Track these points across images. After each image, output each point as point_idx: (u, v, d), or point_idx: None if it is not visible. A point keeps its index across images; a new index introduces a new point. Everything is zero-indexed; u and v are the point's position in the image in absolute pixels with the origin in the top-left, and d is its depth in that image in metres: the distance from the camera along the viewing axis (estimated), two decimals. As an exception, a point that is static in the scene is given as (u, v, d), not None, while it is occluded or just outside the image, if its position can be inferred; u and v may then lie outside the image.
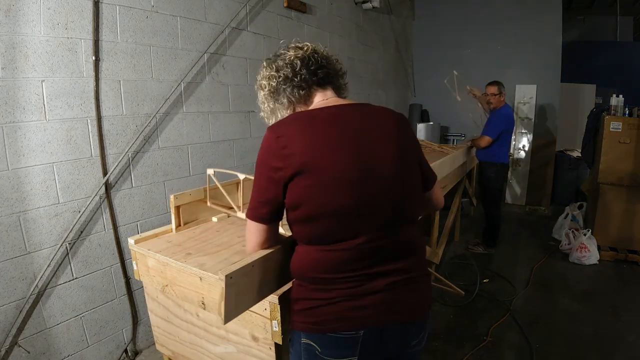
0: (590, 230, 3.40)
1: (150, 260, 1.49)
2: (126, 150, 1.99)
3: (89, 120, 1.85)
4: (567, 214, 3.88)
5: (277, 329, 1.15)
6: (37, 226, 1.70)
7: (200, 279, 1.30)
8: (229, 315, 0.87)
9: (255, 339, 1.25)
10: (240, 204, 1.72)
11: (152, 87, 2.10)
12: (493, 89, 3.44)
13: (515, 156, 5.08)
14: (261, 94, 1.04)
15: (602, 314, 2.51)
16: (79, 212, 1.83)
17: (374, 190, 0.86)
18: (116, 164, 1.96)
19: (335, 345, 0.89)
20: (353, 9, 4.05)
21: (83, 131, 1.83)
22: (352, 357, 0.89)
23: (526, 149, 5.08)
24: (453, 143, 4.28)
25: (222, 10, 2.47)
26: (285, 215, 0.93)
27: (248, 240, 0.98)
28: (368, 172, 0.86)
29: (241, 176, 1.68)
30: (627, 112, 3.33)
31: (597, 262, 3.26)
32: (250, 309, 1.19)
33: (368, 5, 4.07)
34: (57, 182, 1.76)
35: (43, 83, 1.68)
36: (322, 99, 0.99)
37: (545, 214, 4.81)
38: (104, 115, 1.90)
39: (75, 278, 1.86)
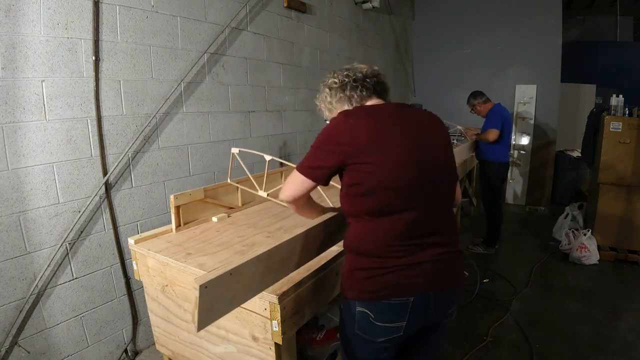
0: (590, 230, 3.40)
1: (150, 260, 1.49)
2: (126, 150, 1.99)
3: (89, 120, 1.85)
4: (567, 214, 3.88)
5: (277, 329, 1.15)
6: (37, 226, 1.70)
7: (200, 279, 1.30)
8: (202, 323, 0.86)
9: (255, 339, 1.25)
10: (264, 185, 1.85)
11: (152, 87, 2.10)
12: (475, 100, 3.52)
13: (516, 156, 5.08)
14: (327, 91, 1.19)
15: (602, 314, 2.51)
16: (79, 212, 1.83)
17: (426, 172, 1.01)
18: (116, 164, 1.96)
19: (388, 311, 1.00)
20: (353, 9, 4.05)
21: (83, 131, 1.83)
22: (401, 322, 1.01)
23: (525, 148, 5.09)
24: (453, 143, 4.28)
25: (222, 10, 2.47)
26: (344, 193, 1.05)
27: (286, 189, 1.10)
28: (423, 156, 1.01)
29: (267, 157, 1.81)
30: (627, 112, 3.33)
31: (597, 262, 3.25)
32: (251, 309, 1.20)
33: (368, 5, 4.07)
34: (57, 182, 1.76)
35: (43, 83, 1.68)
36: (376, 102, 1.16)
37: (545, 214, 4.80)
38: (104, 115, 1.90)
39: (75, 278, 1.86)
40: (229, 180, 1.91)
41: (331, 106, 1.19)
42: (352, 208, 1.05)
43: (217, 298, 0.88)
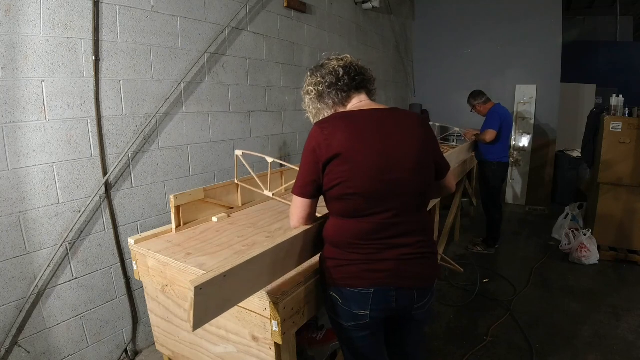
0: (590, 230, 3.40)
1: (150, 260, 1.49)
2: (126, 150, 1.99)
3: (89, 120, 1.85)
4: (567, 214, 3.88)
5: (277, 329, 1.15)
6: (37, 226, 1.70)
7: (200, 279, 1.30)
8: (197, 324, 0.87)
9: (255, 339, 1.25)
10: (269, 185, 1.93)
11: (152, 87, 2.10)
12: (475, 100, 3.53)
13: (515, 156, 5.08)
14: (307, 98, 1.26)
15: (602, 314, 2.51)
16: (79, 212, 1.83)
17: (397, 178, 1.05)
18: (116, 164, 1.96)
19: (351, 298, 1.10)
20: (353, 9, 4.05)
21: (83, 131, 1.83)
22: (365, 310, 1.10)
23: (526, 147, 5.09)
24: (454, 142, 4.28)
25: (222, 10, 2.47)
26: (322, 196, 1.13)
27: (293, 215, 1.17)
28: (393, 163, 1.05)
29: (269, 159, 1.88)
30: (627, 112, 3.33)
31: (597, 262, 3.26)
32: (251, 309, 1.20)
33: (368, 5, 4.07)
34: (57, 182, 1.76)
35: (43, 83, 1.68)
36: (358, 101, 1.19)
37: (545, 214, 4.81)
38: (104, 115, 1.90)
39: (75, 278, 1.86)
40: (235, 181, 1.95)
41: (314, 112, 1.26)
42: (328, 206, 1.15)
43: (212, 299, 0.89)
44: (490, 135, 3.31)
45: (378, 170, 1.03)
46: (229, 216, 1.89)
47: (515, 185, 5.25)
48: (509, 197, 5.30)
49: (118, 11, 1.92)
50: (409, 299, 1.14)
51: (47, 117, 1.70)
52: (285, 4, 2.98)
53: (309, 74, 1.26)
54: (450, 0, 5.39)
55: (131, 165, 2.05)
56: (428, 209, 1.25)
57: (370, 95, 1.24)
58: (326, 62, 1.23)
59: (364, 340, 1.18)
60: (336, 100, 1.19)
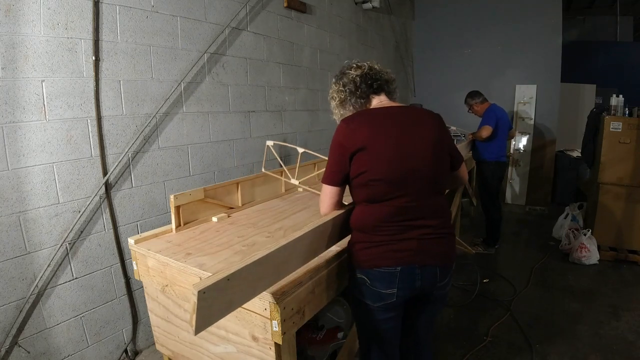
0: (590, 230, 3.39)
1: (150, 260, 1.49)
2: (126, 150, 1.99)
3: (89, 120, 1.85)
4: (567, 214, 3.88)
5: (277, 329, 1.15)
6: (37, 226, 1.70)
7: (200, 279, 1.30)
8: (199, 328, 0.87)
9: (255, 339, 1.25)
10: (296, 175, 2.07)
11: (152, 87, 2.10)
12: (472, 100, 3.57)
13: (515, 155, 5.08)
14: (333, 103, 1.41)
15: (602, 314, 2.51)
16: (79, 212, 1.83)
17: (414, 166, 1.17)
18: (116, 164, 1.96)
19: (380, 278, 1.20)
20: (353, 9, 4.05)
21: (83, 131, 1.83)
22: (392, 289, 1.20)
23: (525, 147, 5.09)
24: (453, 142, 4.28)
25: (222, 10, 2.47)
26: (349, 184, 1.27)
27: (323, 202, 1.31)
28: (411, 153, 1.18)
29: (300, 150, 2.03)
30: (627, 112, 3.33)
31: (597, 262, 3.25)
32: (251, 309, 1.20)
33: (368, 5, 4.07)
34: (57, 182, 1.76)
35: (43, 83, 1.68)
36: (377, 102, 1.33)
37: (545, 214, 4.80)
38: (104, 115, 1.90)
39: (75, 278, 1.86)
40: (263, 170, 2.12)
41: (340, 115, 1.40)
42: (354, 195, 1.28)
43: (215, 303, 0.89)
44: (486, 131, 3.33)
45: (397, 159, 1.16)
46: (229, 216, 1.89)
47: (515, 185, 5.25)
48: (509, 197, 5.30)
49: (118, 11, 1.92)
50: (433, 276, 1.23)
51: (47, 117, 1.70)
52: (285, 4, 2.98)
53: (333, 80, 1.40)
54: (451, 0, 5.38)
55: (131, 165, 2.05)
56: (452, 201, 1.38)
57: (390, 95, 1.36)
58: (347, 70, 1.36)
59: (387, 322, 1.27)
60: (357, 106, 1.34)
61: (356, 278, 1.26)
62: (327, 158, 1.28)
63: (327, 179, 1.26)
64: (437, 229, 1.22)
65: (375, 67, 1.36)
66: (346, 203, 1.35)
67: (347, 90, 1.33)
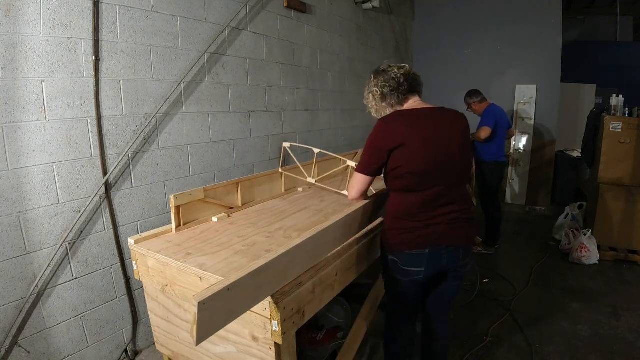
0: (590, 230, 3.39)
1: (150, 260, 1.49)
2: (126, 150, 1.99)
3: (89, 120, 1.85)
4: (567, 214, 3.88)
5: (277, 329, 1.15)
6: (37, 226, 1.70)
7: (200, 279, 1.30)
8: (201, 338, 0.87)
9: (255, 339, 1.25)
10: (314, 175, 2.20)
11: (152, 87, 2.10)
12: (471, 99, 3.58)
13: (515, 156, 5.08)
14: (371, 97, 1.53)
15: (602, 314, 2.51)
16: (79, 212, 1.83)
17: (445, 160, 1.35)
18: (116, 164, 1.96)
19: (410, 259, 1.40)
20: (353, 9, 4.05)
21: (83, 131, 1.83)
22: (420, 267, 1.40)
23: (525, 147, 5.09)
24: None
25: (222, 10, 2.47)
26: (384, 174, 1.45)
27: (353, 188, 1.52)
28: (442, 149, 1.35)
29: (316, 150, 2.16)
30: (627, 112, 3.33)
31: (597, 262, 3.25)
32: (250, 309, 1.20)
33: (368, 5, 4.07)
34: (57, 182, 1.76)
35: (43, 83, 1.68)
36: (412, 102, 1.48)
37: (545, 214, 4.80)
38: (104, 115, 1.90)
39: (75, 278, 1.86)
40: (280, 169, 2.25)
41: (377, 109, 1.53)
42: (390, 185, 1.45)
43: (216, 313, 0.89)
44: (485, 132, 3.32)
45: (431, 155, 1.33)
46: (229, 216, 1.89)
47: (515, 185, 5.25)
48: (509, 197, 5.30)
49: (118, 11, 1.92)
50: (456, 256, 1.42)
51: (47, 117, 1.70)
52: (285, 4, 2.98)
53: (372, 76, 1.53)
54: (451, 0, 5.38)
55: (131, 165, 2.05)
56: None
57: (421, 96, 1.52)
58: (388, 69, 1.50)
59: (412, 289, 1.49)
60: (396, 101, 1.47)
61: (388, 259, 1.47)
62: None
63: (364, 169, 1.45)
64: (463, 214, 1.41)
65: (412, 70, 1.51)
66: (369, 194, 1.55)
67: (390, 86, 1.45)
